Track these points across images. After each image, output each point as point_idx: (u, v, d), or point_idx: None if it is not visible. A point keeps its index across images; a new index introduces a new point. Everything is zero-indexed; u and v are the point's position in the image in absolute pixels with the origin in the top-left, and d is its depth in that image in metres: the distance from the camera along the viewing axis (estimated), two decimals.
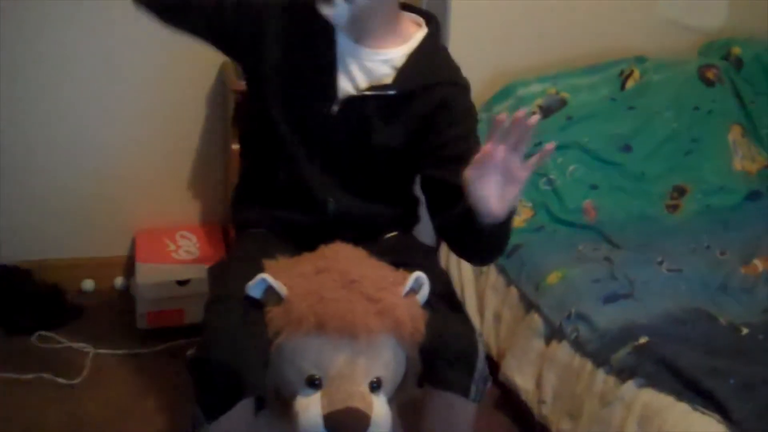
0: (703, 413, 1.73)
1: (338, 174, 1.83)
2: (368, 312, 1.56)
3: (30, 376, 2.42)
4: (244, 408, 1.58)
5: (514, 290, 2.38)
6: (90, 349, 2.56)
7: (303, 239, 1.82)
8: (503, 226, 1.57)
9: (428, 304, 1.67)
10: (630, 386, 1.89)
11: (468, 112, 1.81)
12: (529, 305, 2.30)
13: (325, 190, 1.83)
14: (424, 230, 2.01)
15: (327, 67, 1.77)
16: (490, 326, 2.46)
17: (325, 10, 1.67)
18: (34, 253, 2.84)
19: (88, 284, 2.90)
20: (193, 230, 2.93)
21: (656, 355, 1.89)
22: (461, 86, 1.83)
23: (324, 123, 1.78)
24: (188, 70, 2.79)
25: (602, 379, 1.97)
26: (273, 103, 1.80)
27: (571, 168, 2.61)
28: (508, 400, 2.37)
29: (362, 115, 1.77)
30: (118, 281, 2.94)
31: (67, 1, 2.62)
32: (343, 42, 1.77)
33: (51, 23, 2.64)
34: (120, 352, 2.57)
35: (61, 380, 2.42)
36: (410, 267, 1.67)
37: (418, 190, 1.89)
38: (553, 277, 2.26)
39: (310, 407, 1.53)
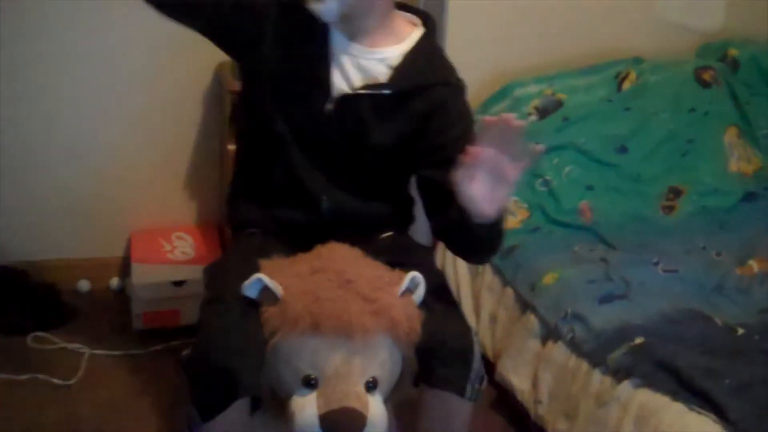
0: (699, 413, 1.74)
1: (333, 172, 1.83)
2: (364, 312, 1.56)
3: (25, 376, 2.41)
4: (239, 408, 1.58)
5: (509, 291, 2.39)
6: (85, 350, 2.55)
7: (298, 238, 1.82)
8: (495, 226, 1.59)
9: (424, 304, 1.67)
10: (626, 386, 1.89)
11: (464, 114, 1.81)
12: (525, 306, 2.30)
13: (320, 188, 1.83)
14: (420, 230, 2.01)
15: (321, 64, 1.77)
16: (486, 327, 2.46)
17: (314, 6, 1.68)
18: (30, 254, 2.83)
19: (84, 285, 2.89)
20: (188, 231, 2.93)
21: (652, 356, 1.90)
22: (457, 87, 1.83)
23: (319, 121, 1.78)
24: (185, 71, 2.79)
25: (598, 379, 1.98)
26: (269, 101, 1.80)
27: (567, 169, 2.62)
28: (504, 400, 2.37)
29: (357, 113, 1.77)
30: (114, 282, 2.93)
31: (66, 2, 2.62)
32: (337, 40, 1.77)
33: (50, 23, 2.63)
34: (115, 352, 2.57)
35: (56, 381, 2.41)
36: (406, 267, 1.67)
37: (412, 190, 1.89)
38: (548, 278, 2.26)
39: (306, 407, 1.53)
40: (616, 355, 1.95)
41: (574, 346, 2.07)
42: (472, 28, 2.70)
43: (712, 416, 1.72)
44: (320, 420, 1.51)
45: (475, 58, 2.60)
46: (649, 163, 2.69)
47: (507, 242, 2.41)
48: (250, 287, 1.59)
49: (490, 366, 2.30)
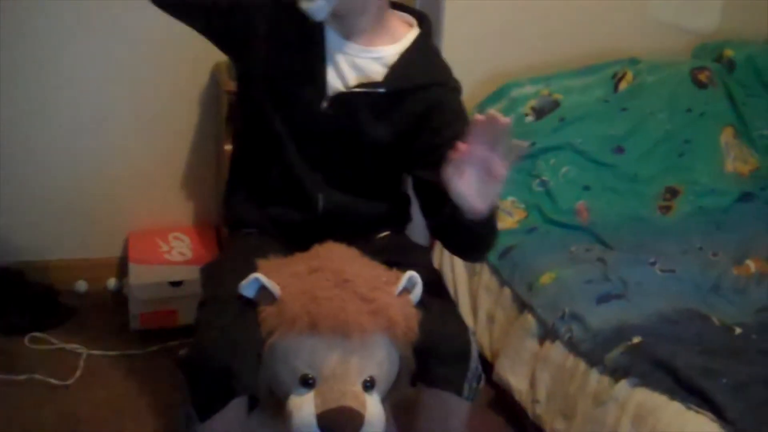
0: (697, 412, 1.74)
1: (329, 171, 1.84)
2: (361, 311, 1.56)
3: (23, 377, 2.42)
4: (237, 407, 1.58)
5: (507, 291, 2.39)
6: (83, 350, 2.55)
7: (295, 238, 1.82)
8: (488, 223, 1.60)
9: (421, 304, 1.67)
10: (623, 386, 1.89)
11: (459, 114, 1.81)
12: (523, 305, 2.30)
13: (316, 188, 1.84)
14: (417, 230, 2.01)
15: (316, 63, 1.77)
16: (484, 326, 2.46)
17: (304, 5, 1.68)
18: (27, 254, 2.83)
19: (81, 285, 2.89)
20: (186, 231, 2.93)
21: (650, 355, 1.90)
22: (453, 88, 1.84)
23: (314, 119, 1.79)
24: (182, 71, 2.79)
25: (596, 378, 1.98)
26: (265, 99, 1.80)
27: (564, 169, 2.62)
28: (501, 400, 2.37)
29: (352, 111, 1.78)
30: (111, 282, 2.93)
31: (65, 2, 2.62)
32: (332, 38, 1.78)
33: (50, 23, 2.64)
34: (113, 353, 2.57)
35: (54, 381, 2.41)
36: (403, 266, 1.67)
37: (409, 189, 1.90)
38: (546, 278, 2.26)
39: (304, 406, 1.53)
40: (614, 354, 1.95)
41: (572, 346, 2.07)
42: (469, 28, 2.70)
43: (710, 415, 1.73)
44: (318, 419, 1.51)
45: (471, 58, 2.60)
46: (645, 163, 2.69)
47: (504, 242, 2.43)
48: (247, 287, 1.59)
49: (487, 366, 2.30)
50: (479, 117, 1.47)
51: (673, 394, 1.80)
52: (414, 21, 1.87)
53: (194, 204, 2.99)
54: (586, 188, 2.62)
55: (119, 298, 2.83)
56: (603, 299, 2.13)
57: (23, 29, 2.62)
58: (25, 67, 2.66)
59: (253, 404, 1.66)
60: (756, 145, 2.84)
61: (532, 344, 2.23)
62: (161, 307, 2.63)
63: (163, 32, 2.52)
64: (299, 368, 1.56)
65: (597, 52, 2.82)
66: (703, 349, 1.94)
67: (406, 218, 2.00)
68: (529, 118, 2.62)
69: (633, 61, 2.80)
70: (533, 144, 2.57)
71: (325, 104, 1.78)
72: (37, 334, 2.61)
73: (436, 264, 2.55)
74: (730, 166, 2.77)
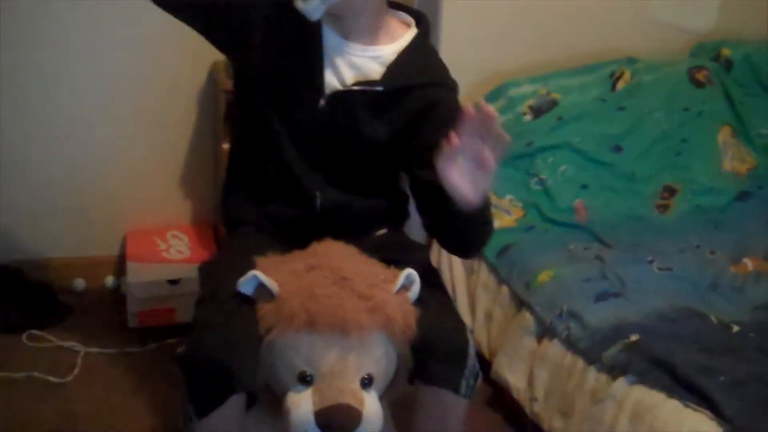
0: (695, 410, 1.74)
1: (327, 169, 1.84)
2: (359, 309, 1.56)
3: (21, 374, 2.42)
4: (235, 404, 1.58)
5: (505, 289, 2.39)
6: (81, 348, 2.55)
7: (293, 235, 1.82)
8: (481, 214, 1.62)
9: (419, 301, 1.67)
10: (621, 383, 1.89)
11: (456, 114, 1.81)
12: (521, 304, 2.30)
13: (314, 185, 1.83)
14: (415, 227, 2.01)
15: (314, 62, 1.77)
16: (482, 325, 2.46)
17: (299, 5, 1.68)
18: (25, 252, 2.84)
19: (79, 283, 2.90)
20: (184, 230, 2.93)
21: (647, 353, 1.90)
22: (450, 87, 1.84)
23: (312, 117, 1.79)
24: (179, 70, 2.79)
25: (594, 376, 1.98)
26: (262, 98, 1.80)
27: (561, 168, 2.62)
28: (499, 398, 2.37)
29: (350, 110, 1.78)
30: (109, 280, 2.93)
31: (65, 2, 2.62)
32: (329, 37, 1.78)
33: (49, 23, 2.64)
34: (111, 350, 2.57)
35: (52, 379, 2.41)
36: (401, 264, 1.67)
37: (406, 186, 1.90)
38: (544, 276, 2.26)
39: (302, 404, 1.53)
40: (612, 352, 1.95)
41: (570, 344, 2.07)
42: (467, 27, 2.70)
43: (708, 413, 1.73)
44: (315, 416, 1.51)
45: (469, 57, 2.60)
46: (643, 162, 2.70)
47: (502, 240, 2.43)
48: (245, 284, 1.59)
49: (485, 364, 2.30)
50: (470, 110, 1.49)
51: (670, 392, 1.80)
52: (412, 21, 1.87)
53: (192, 202, 2.99)
54: (584, 187, 2.62)
55: (117, 296, 2.83)
56: (601, 297, 2.13)
57: (23, 29, 2.62)
58: (25, 67, 2.66)
59: (251, 401, 1.66)
60: (754, 144, 2.84)
61: (529, 342, 2.23)
62: (159, 305, 2.63)
63: (161, 31, 2.52)
64: (297, 365, 1.56)
65: (595, 51, 2.83)
66: (701, 347, 1.94)
67: (404, 216, 2.00)
68: (527, 117, 2.62)
69: (630, 61, 2.81)
70: (531, 143, 2.57)
71: (322, 103, 1.78)
72: (35, 331, 2.61)
73: (434, 262, 2.55)
74: (727, 165, 2.77)
